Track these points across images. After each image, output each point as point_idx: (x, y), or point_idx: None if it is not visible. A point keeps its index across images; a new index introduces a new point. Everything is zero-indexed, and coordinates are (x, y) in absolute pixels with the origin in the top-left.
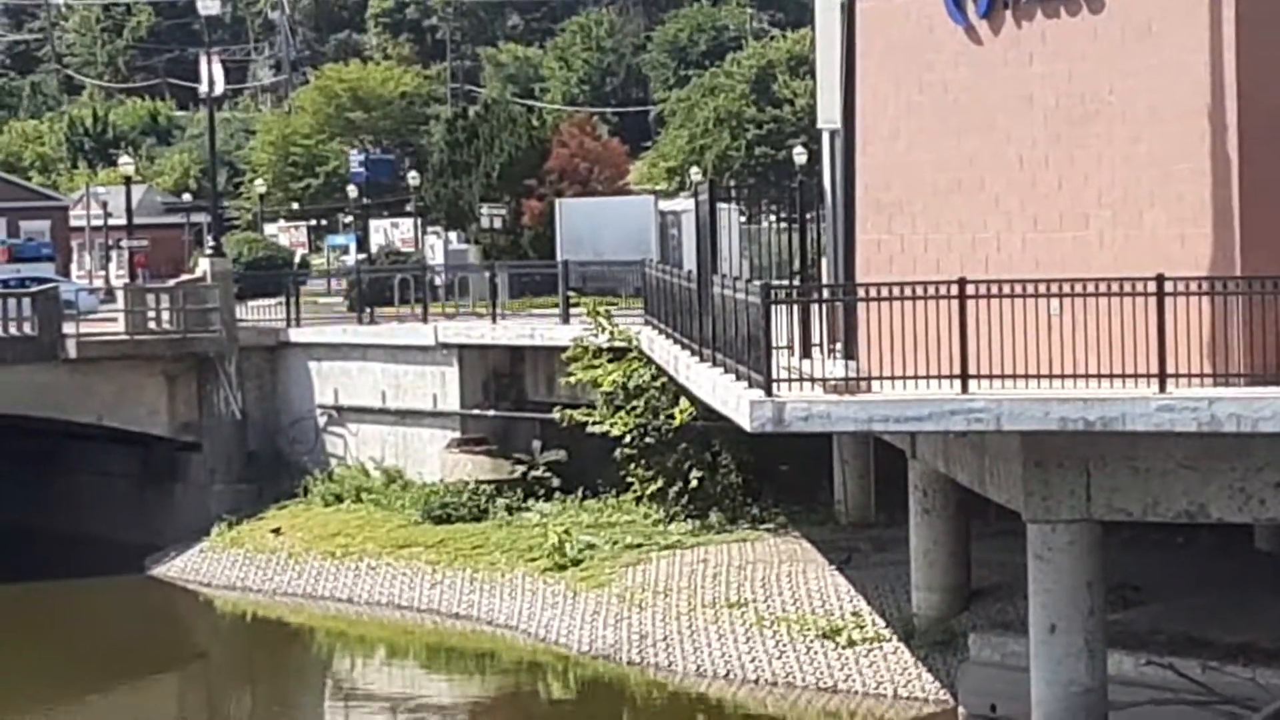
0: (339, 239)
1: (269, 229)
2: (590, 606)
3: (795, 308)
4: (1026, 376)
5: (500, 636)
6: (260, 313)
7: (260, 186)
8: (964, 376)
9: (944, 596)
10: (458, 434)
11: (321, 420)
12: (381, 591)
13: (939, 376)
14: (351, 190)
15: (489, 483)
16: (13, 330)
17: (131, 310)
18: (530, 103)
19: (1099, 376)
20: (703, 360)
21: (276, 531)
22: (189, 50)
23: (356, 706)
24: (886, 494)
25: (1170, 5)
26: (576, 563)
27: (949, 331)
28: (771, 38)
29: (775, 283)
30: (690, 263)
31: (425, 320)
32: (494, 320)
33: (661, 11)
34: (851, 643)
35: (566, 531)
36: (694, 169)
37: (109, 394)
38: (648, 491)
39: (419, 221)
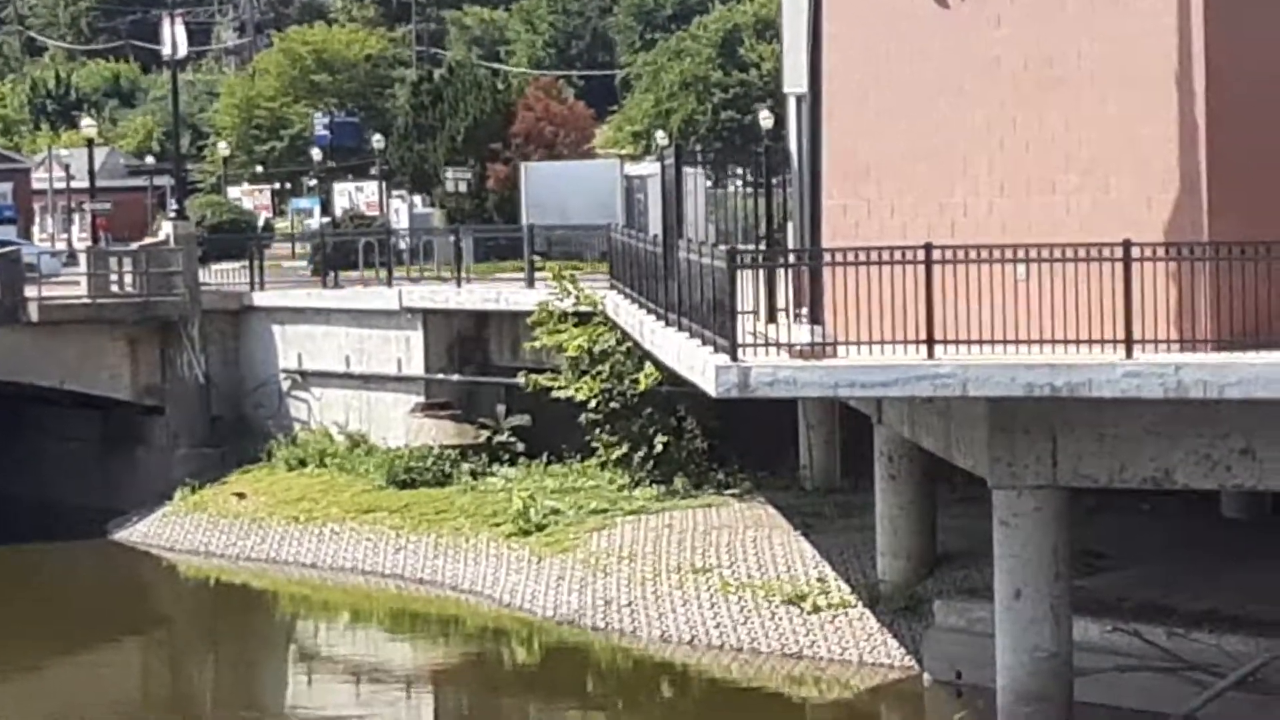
0: (303, 202)
1: (232, 192)
2: (555, 572)
3: (761, 272)
4: (993, 342)
5: (464, 602)
6: (224, 276)
7: (224, 149)
8: (930, 342)
9: (909, 562)
10: (422, 399)
11: (285, 384)
12: (345, 556)
13: (905, 342)
14: (316, 153)
15: (453, 448)
16: None
17: (94, 273)
18: (496, 66)
19: (1066, 342)
20: (668, 325)
21: (240, 496)
22: (152, 12)
23: (320, 671)
24: (852, 459)
25: None
26: (541, 528)
27: (915, 297)
28: (738, 1)
29: (741, 247)
30: (656, 227)
31: (390, 284)
32: (459, 284)
33: None
34: (816, 608)
35: (531, 497)
36: (660, 133)
37: (71, 358)
38: (613, 457)
39: (383, 185)
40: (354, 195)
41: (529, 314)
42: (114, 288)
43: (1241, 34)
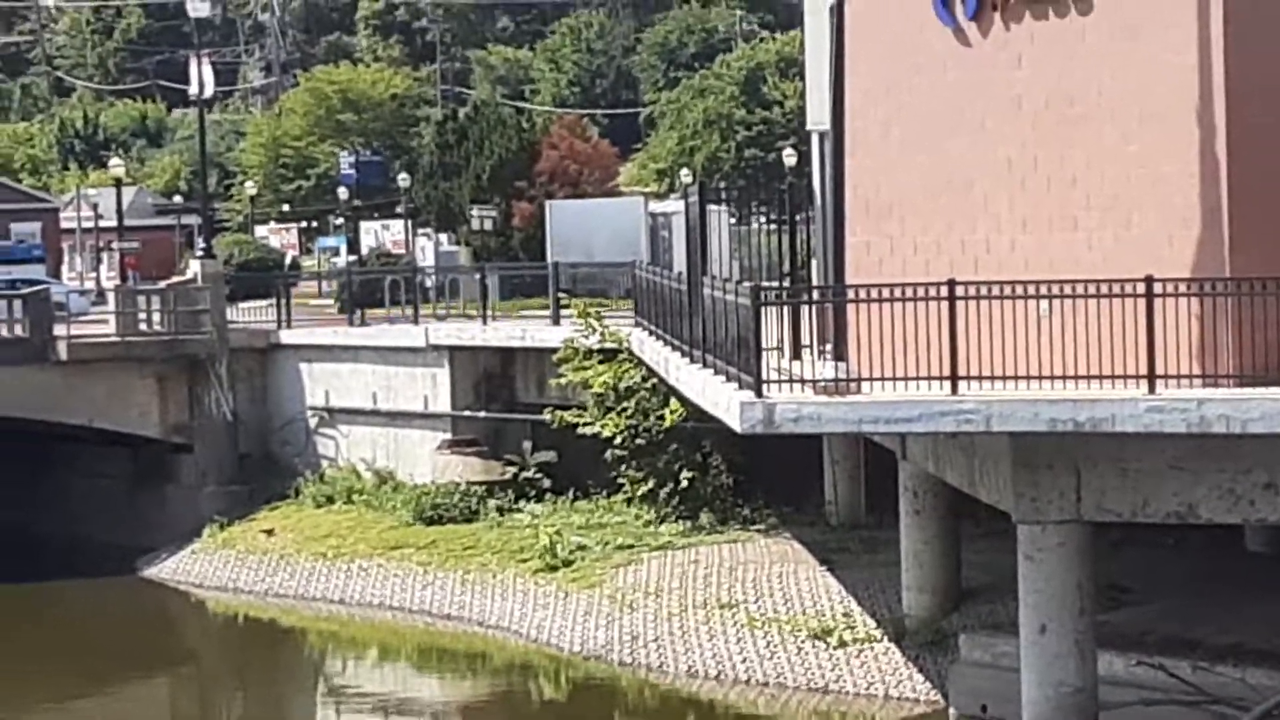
0: (330, 241)
1: (260, 231)
2: (582, 607)
3: (785, 309)
4: (1016, 378)
5: (492, 637)
6: (251, 314)
7: (251, 188)
8: (954, 378)
9: (934, 597)
10: (449, 435)
11: (313, 422)
12: (373, 593)
13: (929, 378)
14: (342, 192)
15: (480, 484)
16: (3, 332)
17: (122, 312)
18: (520, 104)
19: (1088, 378)
20: (693, 361)
21: (269, 533)
22: (179, 52)
23: (348, 707)
24: (877, 495)
25: (1158, 6)
26: (568, 564)
27: (938, 333)
28: (761, 40)
29: (765, 284)
30: (680, 264)
31: (416, 322)
32: (485, 322)
33: (651, 13)
34: (842, 643)
35: (558, 532)
36: (684, 170)
37: (100, 396)
38: (639, 492)
39: (409, 223)
40: (380, 233)
41: (554, 351)
42: (142, 326)
43: (1262, 70)
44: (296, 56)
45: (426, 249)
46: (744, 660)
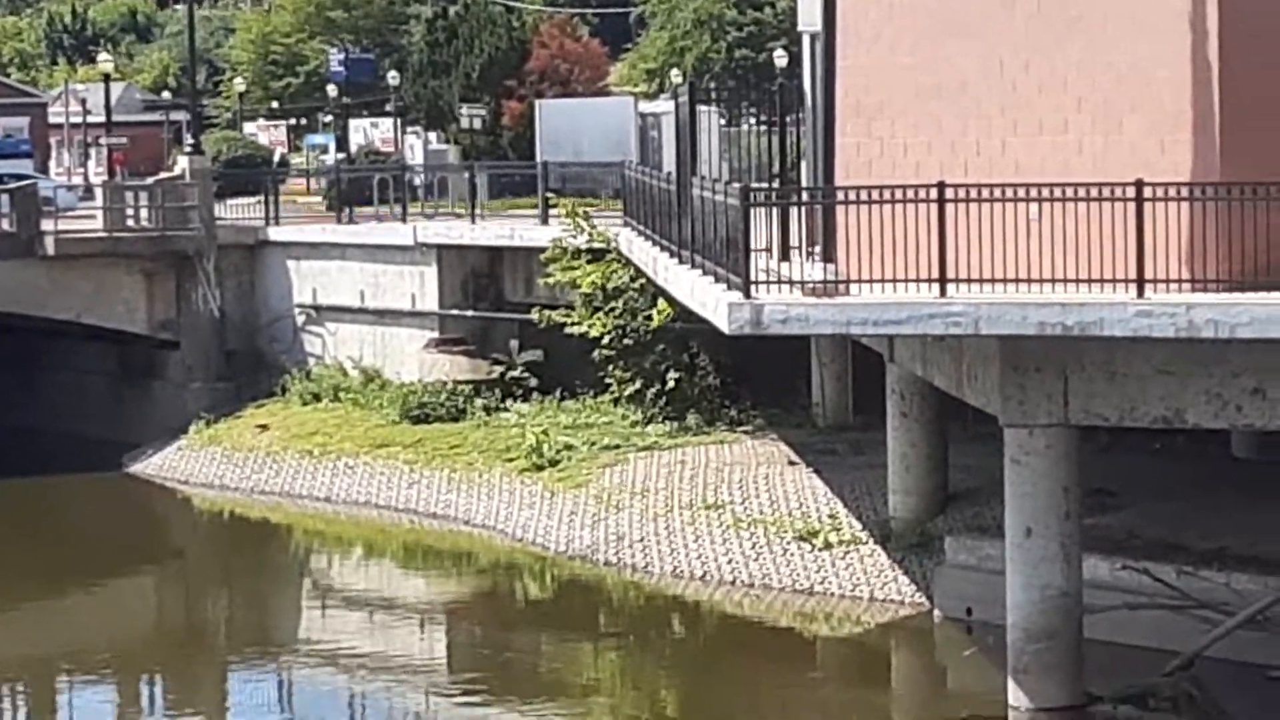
0: (318, 138)
1: (248, 128)
2: (567, 507)
3: (774, 210)
4: (1005, 281)
5: (477, 536)
6: (239, 211)
7: (239, 85)
8: (942, 280)
9: (920, 500)
10: (436, 334)
11: (300, 319)
12: (359, 491)
13: (918, 280)
14: (331, 89)
15: (467, 383)
16: None
17: (110, 208)
18: (510, 3)
19: (1078, 281)
20: (681, 262)
21: (263, 428)
22: None
23: (333, 605)
24: (864, 397)
25: None
26: (554, 463)
27: (928, 235)
28: None
29: (754, 185)
30: (670, 165)
31: (404, 220)
32: (473, 221)
33: None
34: (828, 545)
35: (544, 432)
36: (674, 71)
37: (87, 291)
38: (625, 393)
39: (398, 121)
40: (369, 131)
41: (543, 250)
42: (130, 222)
43: None
44: None
45: (415, 147)
46: (729, 561)
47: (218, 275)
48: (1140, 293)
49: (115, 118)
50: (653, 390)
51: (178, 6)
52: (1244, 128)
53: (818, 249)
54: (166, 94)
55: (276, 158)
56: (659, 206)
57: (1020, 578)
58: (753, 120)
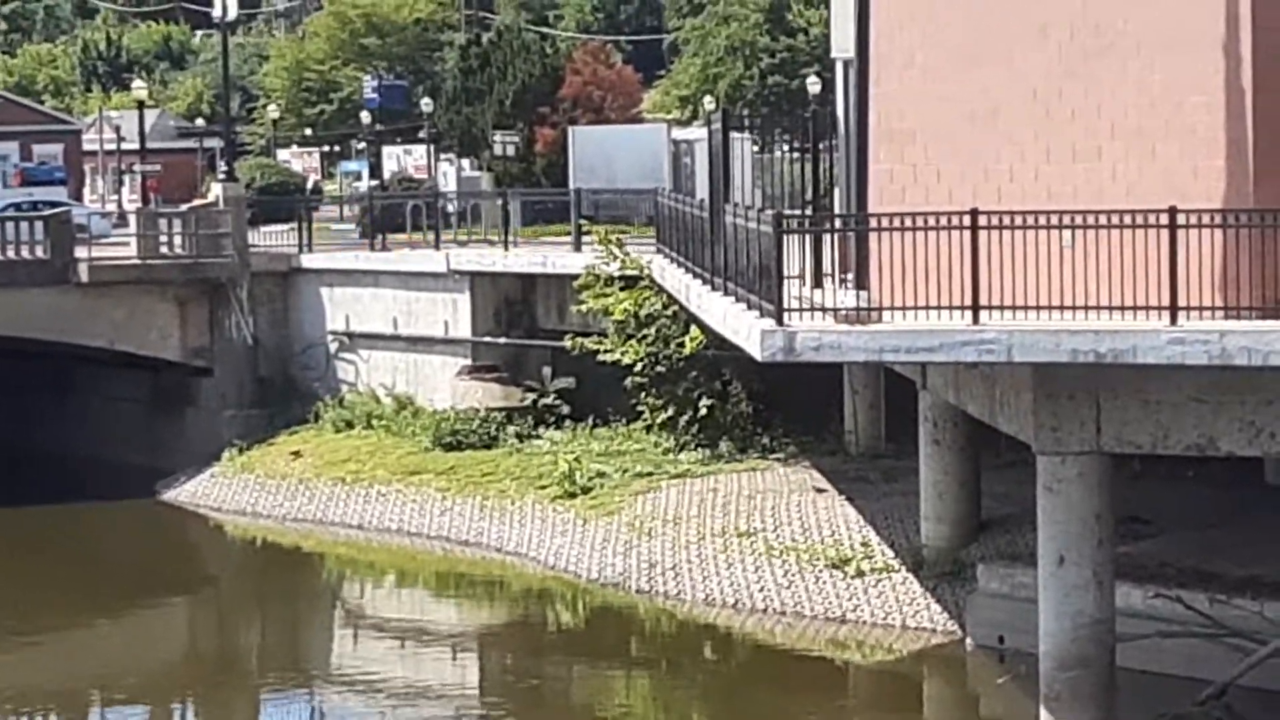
0: (352, 165)
1: (282, 155)
2: (600, 534)
3: (807, 237)
4: (1038, 308)
5: (509, 564)
6: (273, 238)
7: (273, 112)
8: (975, 307)
9: (953, 528)
10: (469, 361)
11: (333, 346)
12: (391, 518)
13: (950, 307)
14: (365, 116)
15: (499, 410)
16: (25, 254)
17: (144, 235)
18: (544, 30)
19: (1110, 309)
20: (714, 289)
21: (296, 454)
22: None
23: (366, 632)
24: (896, 424)
25: None
26: (586, 490)
27: (961, 262)
28: None
29: (787, 212)
30: (703, 192)
31: (437, 247)
32: (506, 248)
33: None
34: (860, 573)
35: (577, 459)
36: (707, 98)
37: (120, 318)
38: (658, 420)
39: (432, 148)
40: (402, 158)
41: (575, 277)
42: (163, 249)
43: None
44: None
45: (448, 174)
46: (761, 589)
47: (251, 302)
48: (1173, 320)
49: (149, 145)
50: (685, 417)
51: (212, 34)
52: (1278, 154)
53: (850, 276)
54: (200, 121)
55: (310, 185)
56: (692, 233)
57: (1053, 605)
58: (785, 147)
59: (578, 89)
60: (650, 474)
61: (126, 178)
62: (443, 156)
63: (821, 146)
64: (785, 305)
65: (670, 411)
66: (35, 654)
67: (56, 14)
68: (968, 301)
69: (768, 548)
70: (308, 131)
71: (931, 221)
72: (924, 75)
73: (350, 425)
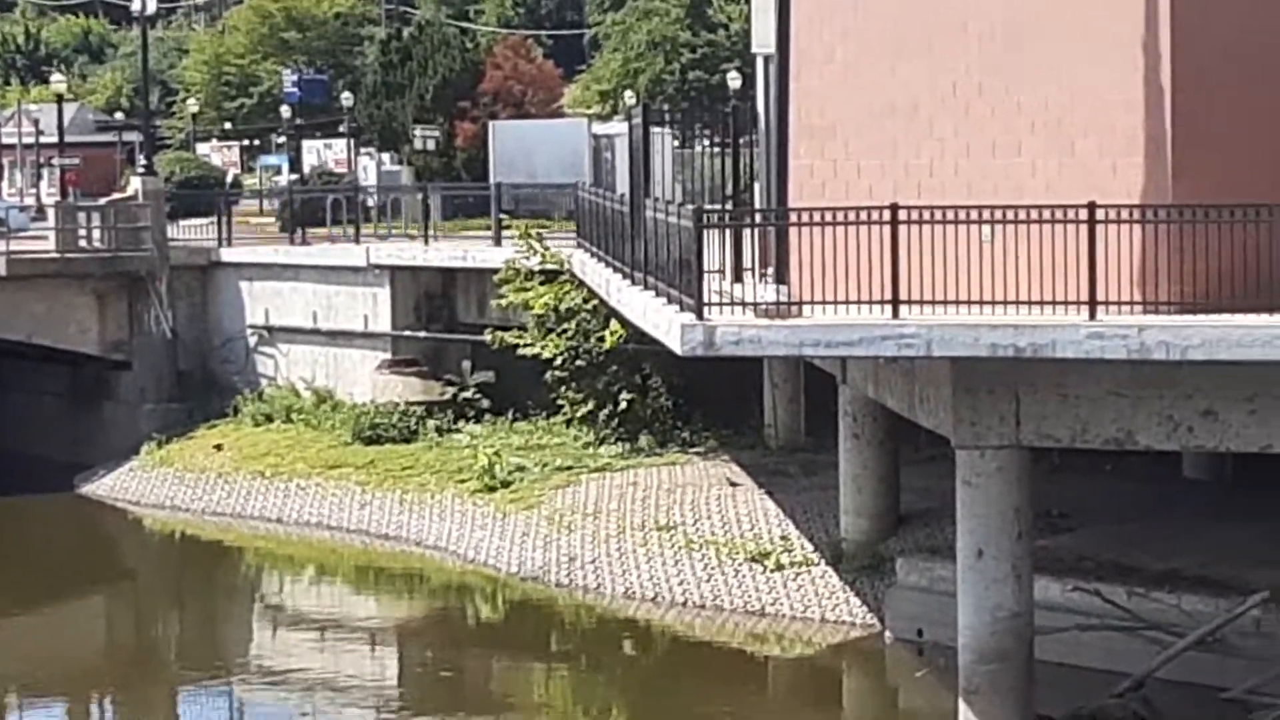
0: (272, 159)
1: (201, 148)
2: (519, 528)
3: (727, 232)
4: (958, 303)
5: (429, 557)
6: (192, 232)
7: (193, 106)
8: (895, 302)
9: (872, 521)
10: (388, 355)
11: (252, 340)
12: (311, 511)
13: (870, 302)
14: (285, 111)
15: (419, 404)
16: None
17: (62, 228)
18: (465, 24)
19: (1030, 303)
20: (634, 283)
21: (219, 447)
22: None
23: (285, 626)
24: (816, 419)
25: None
26: (506, 484)
27: (881, 257)
28: None
29: (708, 207)
30: (623, 186)
31: (357, 241)
32: (426, 242)
33: None
34: (779, 566)
35: (496, 453)
36: (628, 93)
37: (39, 312)
38: (578, 414)
39: (352, 142)
40: (322, 152)
41: (496, 272)
42: (82, 243)
43: None
44: None
45: (369, 168)
46: (681, 582)
47: (170, 296)
48: (1092, 315)
49: (68, 138)
50: (605, 411)
51: (131, 27)
52: (1196, 150)
53: (771, 271)
54: (120, 115)
55: (229, 179)
56: (612, 228)
57: (971, 599)
58: (706, 142)
59: (498, 83)
60: (570, 468)
61: (45, 171)
62: (363, 151)
63: (742, 141)
64: (705, 300)
65: (590, 406)
66: None
67: None
68: (888, 296)
69: (687, 541)
70: (227, 125)
71: (851, 216)
72: (844, 70)
73: (270, 419)
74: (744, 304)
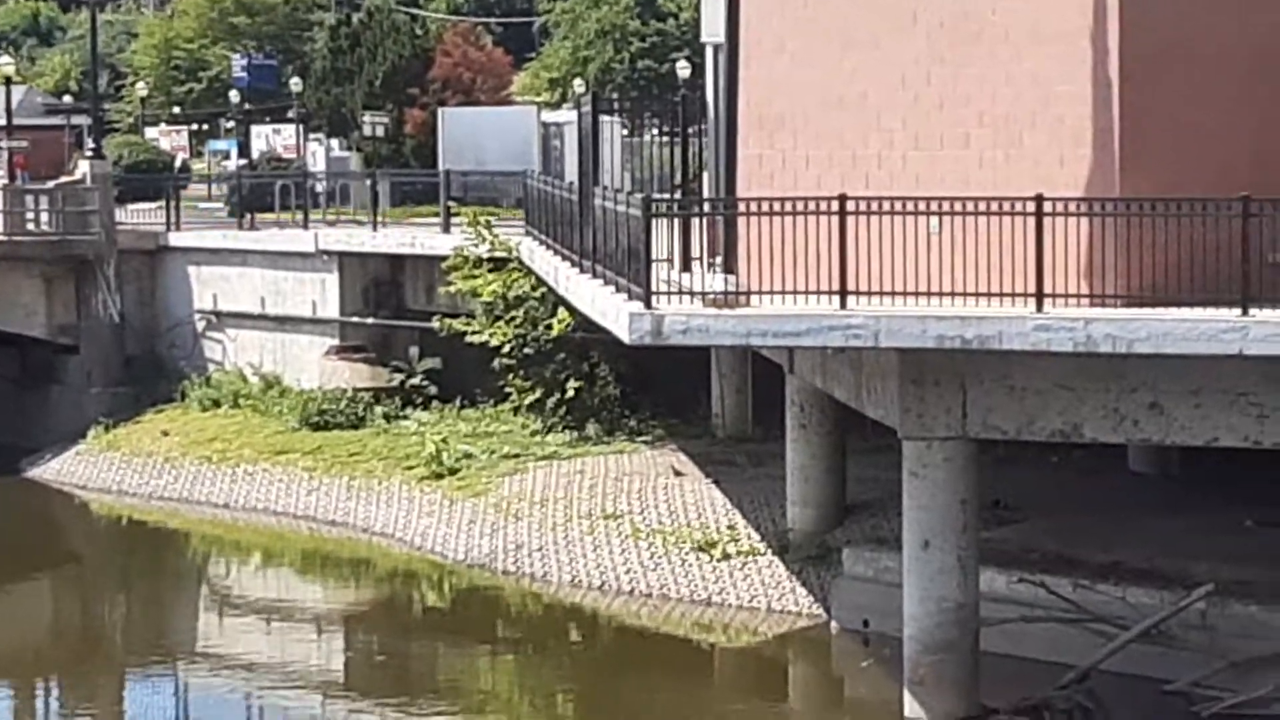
0: (220, 144)
1: (150, 133)
2: (466, 516)
3: (676, 221)
4: (905, 294)
5: (376, 544)
6: (140, 216)
7: (142, 90)
8: (843, 293)
9: (819, 511)
10: (336, 341)
11: (200, 325)
12: (258, 497)
13: (818, 292)
14: (233, 95)
15: (367, 390)
16: None
17: (10, 211)
18: (414, 11)
19: (977, 295)
20: (583, 272)
21: (165, 433)
22: None
23: (231, 611)
24: (763, 408)
25: None
26: (453, 472)
27: (829, 247)
28: None
29: (656, 196)
30: (572, 174)
31: (306, 227)
32: (375, 228)
33: None
34: (726, 556)
35: (444, 440)
36: (577, 81)
37: None
38: (525, 402)
39: (301, 128)
40: (271, 138)
41: (444, 259)
42: (30, 226)
43: None
44: None
45: (317, 154)
46: (628, 571)
47: (118, 280)
48: (1039, 307)
49: (16, 121)
50: (553, 399)
51: (80, 10)
52: (1143, 143)
53: (719, 260)
54: (68, 98)
55: (178, 163)
56: (561, 216)
57: (917, 590)
58: (655, 131)
59: (448, 70)
60: (517, 456)
61: None
62: (312, 136)
63: (691, 131)
64: (653, 288)
65: (538, 393)
66: None
67: None
68: (835, 286)
69: (634, 530)
70: (176, 110)
71: (799, 206)
72: (793, 61)
73: (217, 404)
74: (692, 293)
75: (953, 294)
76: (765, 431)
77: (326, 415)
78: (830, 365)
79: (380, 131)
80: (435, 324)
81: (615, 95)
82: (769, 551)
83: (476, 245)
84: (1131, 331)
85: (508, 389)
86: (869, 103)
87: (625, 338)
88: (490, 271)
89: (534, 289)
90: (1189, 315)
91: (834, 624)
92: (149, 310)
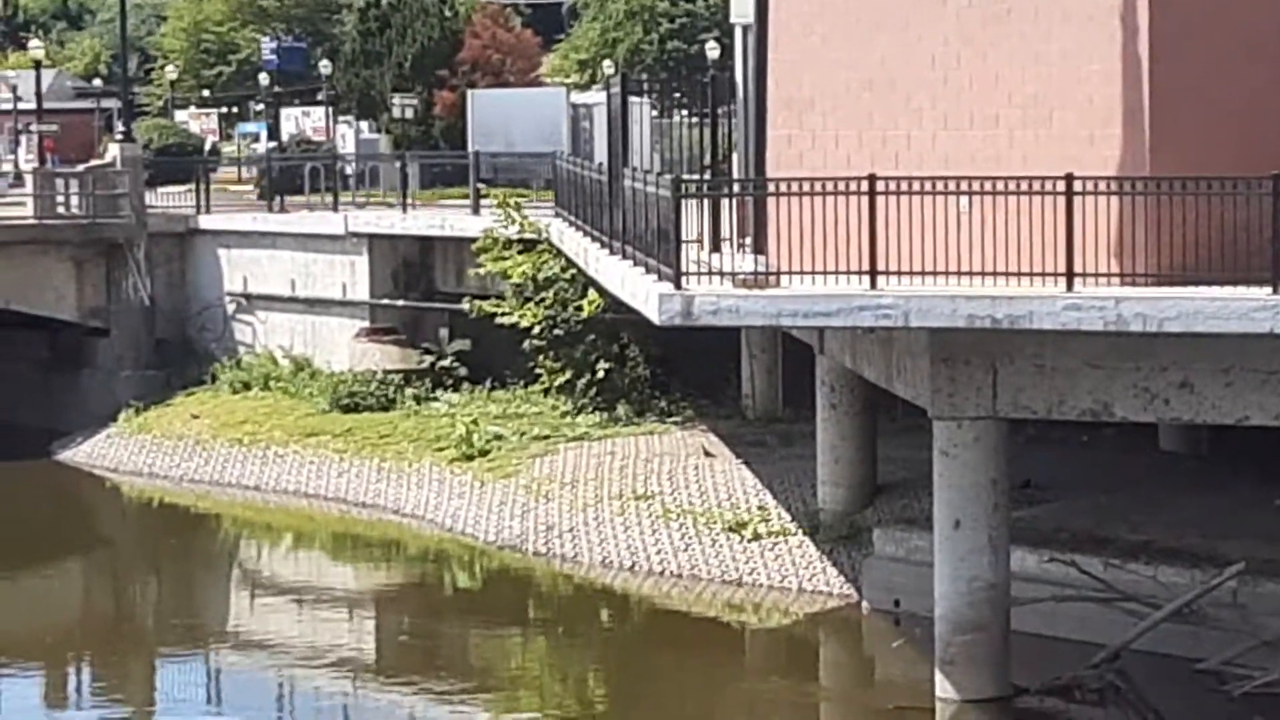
0: (250, 127)
1: (180, 116)
2: (497, 497)
3: (705, 202)
4: (935, 273)
5: (406, 526)
6: (170, 199)
7: (171, 73)
8: (873, 273)
9: (849, 492)
10: (366, 323)
11: (230, 308)
12: (288, 479)
13: (848, 272)
14: (263, 78)
15: (397, 372)
16: None
17: (40, 194)
18: None
19: (1007, 275)
20: (612, 253)
21: (195, 416)
22: None
23: (262, 593)
24: (794, 389)
25: None
26: (484, 453)
27: (858, 227)
28: None
29: (686, 176)
30: (601, 155)
31: (335, 209)
32: (404, 210)
33: None
34: (757, 536)
35: (474, 422)
36: (606, 62)
37: (16, 278)
38: (556, 383)
39: (330, 110)
40: (301, 120)
41: (474, 240)
42: (60, 209)
43: None
44: None
45: (347, 136)
46: (658, 552)
47: (148, 263)
48: (1069, 286)
49: (46, 105)
50: (583, 381)
51: None
52: (1173, 122)
53: (749, 241)
54: (98, 81)
55: (208, 146)
56: (590, 197)
57: (948, 569)
58: (684, 112)
59: (477, 52)
60: (548, 437)
61: (23, 138)
62: (341, 119)
63: (720, 111)
64: (683, 269)
65: (568, 375)
66: None
67: None
68: (865, 266)
69: (665, 511)
70: (205, 93)
71: (829, 187)
72: (823, 41)
73: (247, 387)
74: (722, 274)
75: (983, 273)
76: (795, 412)
77: (357, 397)
78: (860, 345)
79: (409, 114)
80: (465, 306)
81: (644, 76)
82: (799, 532)
83: (506, 227)
84: (1162, 310)
85: (538, 370)
86: (898, 83)
87: (655, 318)
88: (520, 253)
89: (564, 270)
90: (1220, 294)
91: (865, 604)
92: (179, 293)
